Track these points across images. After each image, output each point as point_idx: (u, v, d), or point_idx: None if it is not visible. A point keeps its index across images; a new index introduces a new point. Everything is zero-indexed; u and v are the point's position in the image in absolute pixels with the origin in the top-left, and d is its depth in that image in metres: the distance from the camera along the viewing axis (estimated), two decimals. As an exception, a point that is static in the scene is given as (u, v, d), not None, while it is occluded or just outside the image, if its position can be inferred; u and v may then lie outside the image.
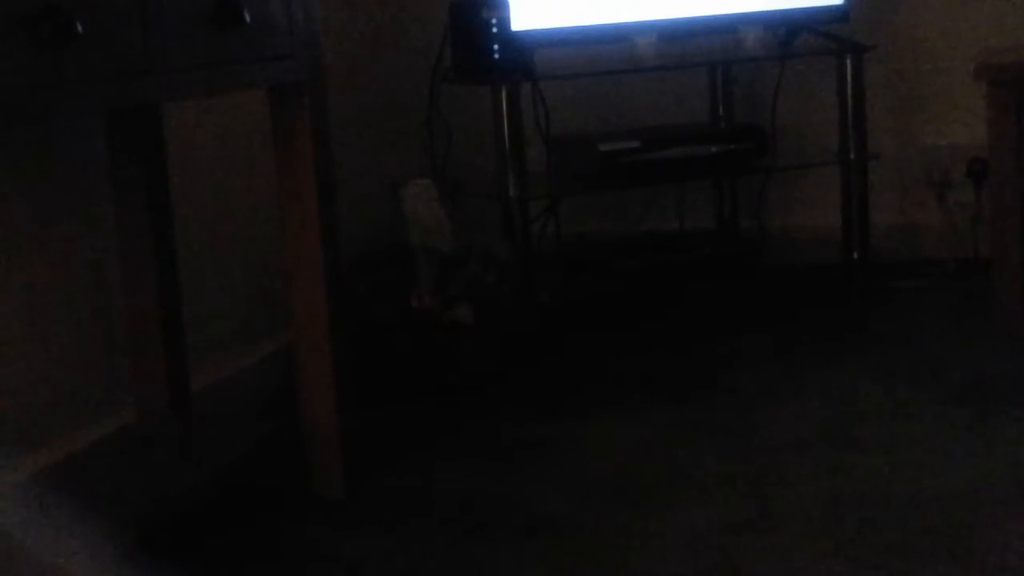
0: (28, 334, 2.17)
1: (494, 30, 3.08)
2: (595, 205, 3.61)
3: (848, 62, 3.30)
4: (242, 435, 2.33)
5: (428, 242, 2.85)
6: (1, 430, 2.11)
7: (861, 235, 3.38)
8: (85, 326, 2.30)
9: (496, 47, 3.09)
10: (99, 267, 2.34)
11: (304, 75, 2.16)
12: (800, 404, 2.59)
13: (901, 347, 2.90)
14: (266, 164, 2.34)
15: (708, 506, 2.14)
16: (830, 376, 2.74)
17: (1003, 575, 1.86)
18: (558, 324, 3.21)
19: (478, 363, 2.82)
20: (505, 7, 3.07)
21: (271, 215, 2.39)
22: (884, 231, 3.49)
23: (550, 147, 3.39)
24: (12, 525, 1.92)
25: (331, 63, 2.36)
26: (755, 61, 3.46)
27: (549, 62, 3.24)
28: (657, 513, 2.13)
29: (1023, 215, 2.89)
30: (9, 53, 1.56)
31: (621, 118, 3.61)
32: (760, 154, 3.35)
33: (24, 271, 2.17)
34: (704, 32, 3.31)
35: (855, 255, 3.39)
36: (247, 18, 1.96)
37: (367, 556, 2.05)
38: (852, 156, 3.34)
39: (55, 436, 2.21)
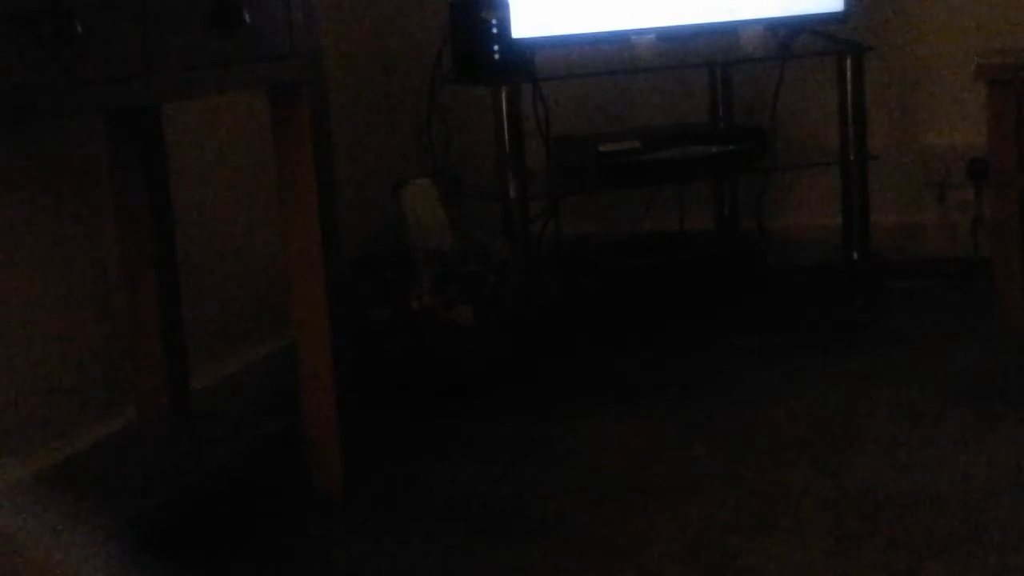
0: (28, 334, 2.17)
1: (494, 30, 3.08)
2: (595, 205, 3.61)
3: (848, 62, 3.30)
4: (242, 435, 2.33)
5: (428, 242, 2.85)
6: (1, 430, 2.11)
7: (861, 235, 3.38)
8: (85, 326, 2.30)
9: (496, 47, 3.09)
10: (99, 267, 2.34)
11: (304, 75, 2.16)
12: (800, 404, 2.59)
13: (901, 347, 2.90)
14: (266, 164, 2.34)
15: (708, 506, 2.14)
16: (830, 376, 2.74)
17: (1004, 575, 1.87)
18: (558, 324, 3.21)
19: (478, 363, 2.82)
20: (505, 7, 3.07)
21: (271, 215, 2.39)
22: (884, 231, 3.49)
23: (550, 147, 3.39)
24: (12, 525, 1.92)
25: (331, 63, 2.36)
26: (755, 61, 3.46)
27: (549, 62, 3.24)
28: (657, 513, 2.13)
29: (1023, 215, 2.89)
30: (9, 53, 1.57)
31: (621, 118, 3.61)
32: (760, 154, 3.35)
33: (24, 271, 2.17)
34: (704, 35, 3.31)
35: (855, 255, 3.39)
36: (247, 18, 1.96)
37: (367, 556, 2.05)
38: (852, 156, 3.34)
39: (55, 436, 2.21)
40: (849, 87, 3.31)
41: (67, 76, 1.66)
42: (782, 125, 3.53)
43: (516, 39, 3.09)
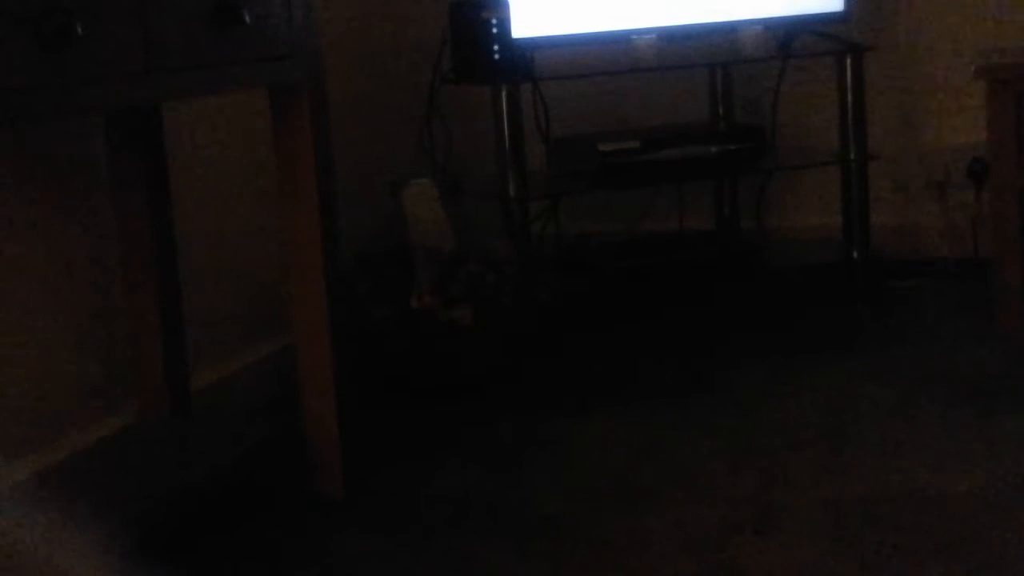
0: (28, 334, 2.17)
1: (494, 31, 3.08)
2: (595, 205, 3.61)
3: (848, 62, 3.30)
4: (242, 435, 2.33)
5: (428, 242, 2.85)
6: (1, 430, 2.11)
7: (861, 235, 3.38)
8: (85, 326, 2.30)
9: (496, 47, 3.09)
10: (99, 267, 2.34)
11: (304, 75, 2.16)
12: (800, 404, 2.59)
13: (901, 347, 2.90)
14: (266, 164, 2.34)
15: (708, 506, 2.14)
16: (830, 376, 2.74)
17: (1003, 575, 1.87)
18: (558, 324, 3.21)
19: (478, 363, 2.82)
20: (505, 8, 3.07)
21: (271, 215, 2.39)
22: (884, 231, 3.49)
23: (550, 147, 3.39)
24: (12, 525, 1.92)
25: (331, 63, 2.36)
26: (755, 61, 3.46)
27: (549, 62, 3.24)
28: (657, 513, 2.13)
29: (1023, 215, 2.89)
30: (9, 53, 1.57)
31: (621, 118, 3.61)
32: (760, 154, 3.35)
33: (24, 271, 2.17)
34: (704, 35, 3.31)
35: (855, 255, 3.39)
36: (247, 18, 1.96)
37: (367, 556, 2.05)
38: (852, 156, 3.34)
39: (55, 436, 2.21)
40: (849, 87, 3.31)
41: (67, 76, 1.66)
42: (782, 125, 3.53)
43: (516, 39, 3.09)
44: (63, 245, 2.26)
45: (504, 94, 3.07)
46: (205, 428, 2.37)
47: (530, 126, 3.26)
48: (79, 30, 1.64)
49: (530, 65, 3.16)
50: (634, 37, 3.24)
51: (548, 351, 3.03)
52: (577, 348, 3.08)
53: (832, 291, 3.40)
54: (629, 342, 3.11)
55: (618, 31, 3.22)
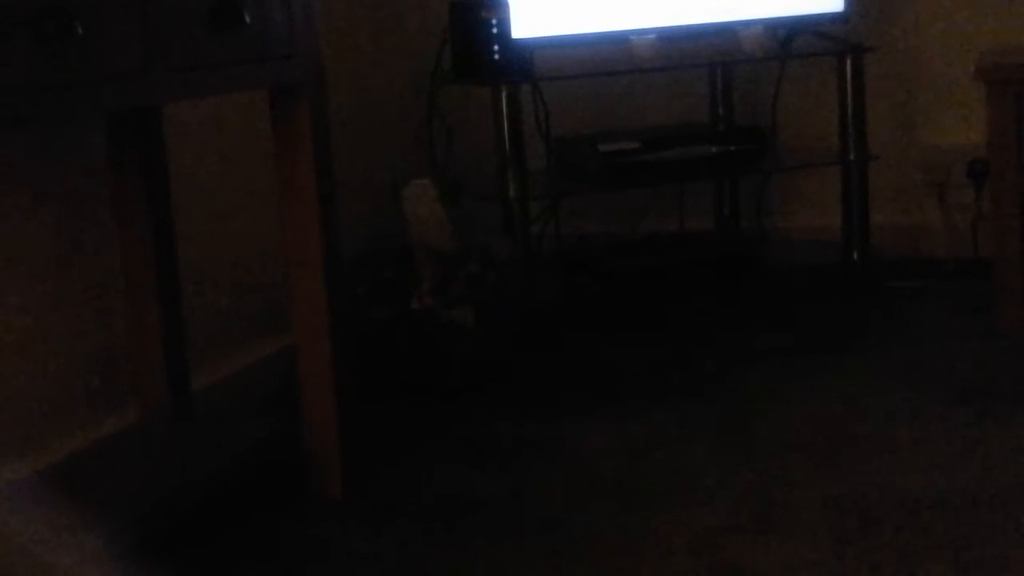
0: (28, 334, 2.17)
1: (494, 31, 3.09)
2: (595, 205, 3.61)
3: (848, 63, 3.30)
4: (242, 435, 2.33)
5: (428, 242, 2.85)
6: (1, 430, 2.11)
7: (861, 235, 3.38)
8: (85, 326, 2.30)
9: (496, 48, 3.09)
10: (99, 267, 2.33)
11: (304, 75, 2.16)
12: (800, 404, 2.59)
13: (901, 347, 2.90)
14: (266, 164, 2.34)
15: (708, 506, 2.14)
16: (830, 376, 2.74)
17: (1003, 575, 1.87)
18: (558, 324, 3.21)
19: (478, 363, 2.82)
20: (505, 8, 3.07)
21: (271, 215, 2.39)
22: (884, 231, 3.49)
23: (550, 147, 3.39)
24: (12, 525, 1.92)
25: (331, 63, 2.36)
26: (755, 61, 3.46)
27: (549, 63, 3.24)
28: (657, 513, 2.13)
29: (1023, 215, 2.89)
30: (10, 53, 1.56)
31: (621, 119, 3.61)
32: (760, 155, 3.35)
33: (24, 271, 2.17)
34: (704, 35, 3.32)
35: (855, 255, 3.39)
36: (247, 18, 1.96)
37: (367, 556, 2.05)
38: (852, 156, 3.34)
39: (55, 436, 2.21)
40: (849, 87, 3.32)
41: (67, 76, 1.66)
42: (782, 125, 3.53)
43: (516, 39, 3.09)
44: (63, 245, 2.26)
45: (504, 94, 3.08)
46: (205, 428, 2.37)
47: (530, 126, 3.26)
48: (79, 30, 1.64)
49: (530, 65, 3.16)
50: (634, 37, 3.25)
51: (548, 351, 3.03)
52: (577, 348, 3.08)
53: (832, 291, 3.40)
54: (629, 342, 3.11)
55: (618, 31, 3.22)
